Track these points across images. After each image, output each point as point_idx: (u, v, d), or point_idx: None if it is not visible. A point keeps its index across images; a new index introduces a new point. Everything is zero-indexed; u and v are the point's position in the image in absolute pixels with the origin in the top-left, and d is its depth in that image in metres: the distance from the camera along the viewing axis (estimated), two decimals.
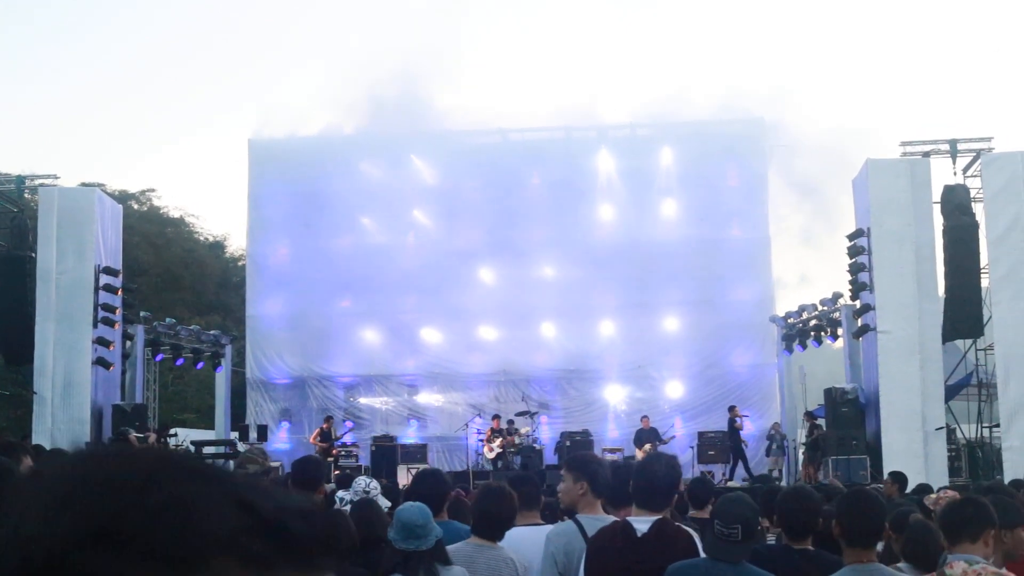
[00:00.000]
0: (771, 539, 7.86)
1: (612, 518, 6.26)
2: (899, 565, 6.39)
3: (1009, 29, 79.05)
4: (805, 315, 30.19)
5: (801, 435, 28.91)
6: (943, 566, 5.37)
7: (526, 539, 6.47)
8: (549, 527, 6.54)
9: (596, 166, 32.69)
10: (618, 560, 5.30)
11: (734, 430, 28.05)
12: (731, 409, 28.37)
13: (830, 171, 30.79)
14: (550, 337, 32.42)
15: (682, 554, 5.25)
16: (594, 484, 6.20)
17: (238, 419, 33.12)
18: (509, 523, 6.54)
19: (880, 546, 6.10)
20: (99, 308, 25.98)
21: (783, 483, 23.39)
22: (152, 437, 25.91)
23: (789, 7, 73.06)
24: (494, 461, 27.62)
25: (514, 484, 7.02)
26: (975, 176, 26.06)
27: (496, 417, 28.74)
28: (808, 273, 33.36)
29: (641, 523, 5.26)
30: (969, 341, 27.39)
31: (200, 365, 33.56)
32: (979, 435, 28.13)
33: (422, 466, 26.22)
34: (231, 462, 27.73)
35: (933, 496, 8.49)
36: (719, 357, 32.00)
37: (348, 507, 8.07)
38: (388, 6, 68.59)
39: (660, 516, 5.51)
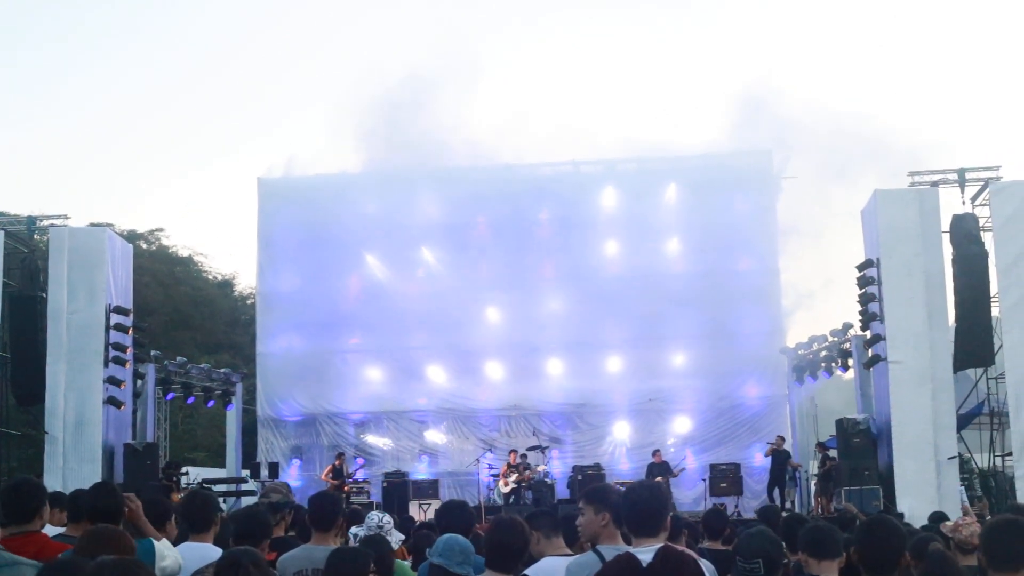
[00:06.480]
0: None
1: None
2: None
3: (1016, 59, 79.14)
4: (815, 346, 30.17)
5: (813, 466, 28.83)
6: None
7: (558, 569, 6.44)
8: (571, 558, 6.51)
9: (604, 200, 32.70)
10: None
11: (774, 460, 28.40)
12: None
13: (838, 201, 30.82)
14: (559, 372, 32.37)
15: None
16: (616, 514, 6.17)
17: (249, 457, 33.13)
18: (521, 554, 6.53)
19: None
20: (110, 347, 25.99)
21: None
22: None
23: (794, 37, 73.24)
24: (507, 496, 27.60)
25: (532, 519, 7.04)
26: (984, 205, 26.06)
27: (513, 452, 28.73)
28: (817, 304, 33.17)
29: (644, 553, 5.21)
30: (980, 370, 27.33)
31: (211, 403, 33.58)
32: (992, 464, 28.05)
33: (433, 502, 26.27)
34: (243, 499, 27.82)
35: (950, 524, 8.45)
36: (730, 389, 31.94)
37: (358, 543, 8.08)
38: (393, 43, 68.85)
39: (660, 543, 5.45)
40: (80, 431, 25.08)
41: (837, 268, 37.83)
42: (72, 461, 24.87)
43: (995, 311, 25.73)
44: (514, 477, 27.83)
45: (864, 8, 75.90)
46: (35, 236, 29.14)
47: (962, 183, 26.48)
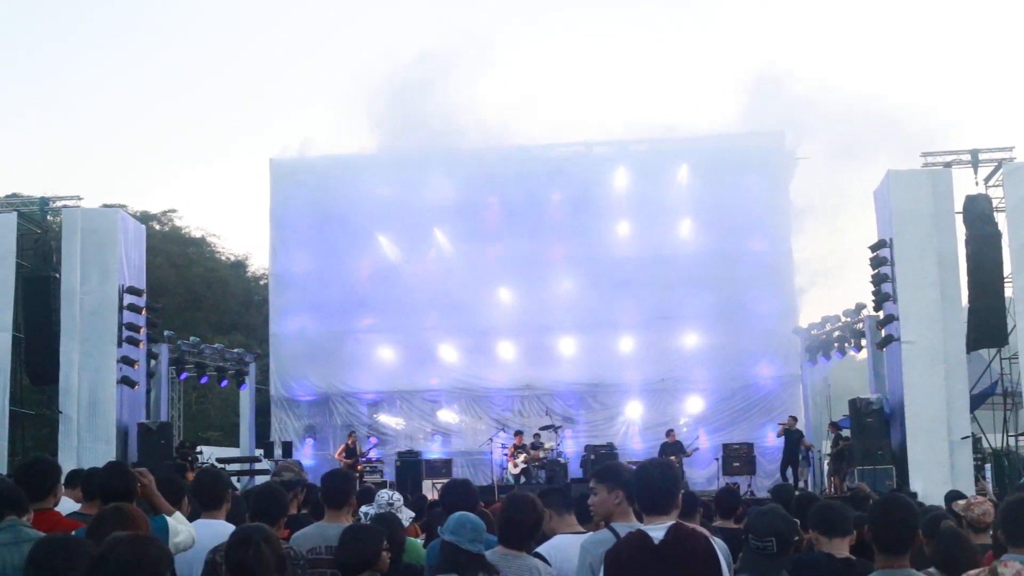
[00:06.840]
0: None
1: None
2: (929, 571, 6.39)
3: None
4: (829, 326, 30.13)
5: (826, 446, 28.81)
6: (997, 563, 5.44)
7: (570, 546, 6.46)
8: (585, 535, 6.50)
9: (616, 181, 32.65)
10: (640, 571, 5.20)
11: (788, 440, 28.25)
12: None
13: (851, 182, 30.73)
14: (572, 352, 32.37)
15: (703, 557, 5.18)
16: (629, 493, 6.16)
17: (262, 437, 33.20)
18: (535, 531, 6.53)
19: None
20: (123, 328, 26.01)
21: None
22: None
23: (807, 18, 73.13)
24: (518, 477, 27.63)
25: (544, 497, 7.03)
26: (997, 186, 25.96)
27: (519, 433, 28.78)
28: (830, 284, 33.10)
29: (656, 530, 5.20)
30: (993, 350, 27.27)
31: (224, 383, 33.58)
32: (1004, 444, 27.99)
33: (447, 480, 26.26)
34: (256, 478, 27.89)
35: (962, 503, 8.44)
36: (743, 370, 31.94)
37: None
38: (406, 25, 68.88)
39: (672, 521, 5.43)
40: (94, 411, 25.10)
41: (850, 248, 37.76)
42: (86, 441, 24.91)
43: (1008, 291, 25.67)
44: (522, 458, 27.86)
45: None
46: (48, 217, 29.10)
47: (975, 164, 26.35)
